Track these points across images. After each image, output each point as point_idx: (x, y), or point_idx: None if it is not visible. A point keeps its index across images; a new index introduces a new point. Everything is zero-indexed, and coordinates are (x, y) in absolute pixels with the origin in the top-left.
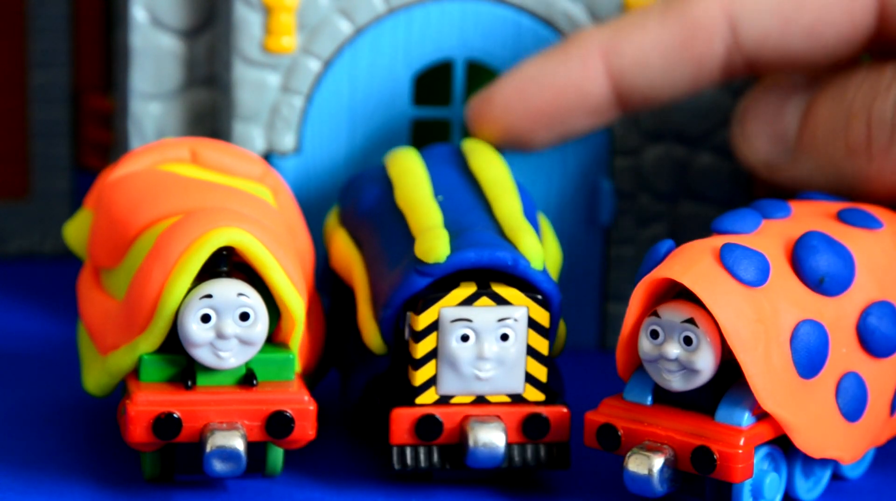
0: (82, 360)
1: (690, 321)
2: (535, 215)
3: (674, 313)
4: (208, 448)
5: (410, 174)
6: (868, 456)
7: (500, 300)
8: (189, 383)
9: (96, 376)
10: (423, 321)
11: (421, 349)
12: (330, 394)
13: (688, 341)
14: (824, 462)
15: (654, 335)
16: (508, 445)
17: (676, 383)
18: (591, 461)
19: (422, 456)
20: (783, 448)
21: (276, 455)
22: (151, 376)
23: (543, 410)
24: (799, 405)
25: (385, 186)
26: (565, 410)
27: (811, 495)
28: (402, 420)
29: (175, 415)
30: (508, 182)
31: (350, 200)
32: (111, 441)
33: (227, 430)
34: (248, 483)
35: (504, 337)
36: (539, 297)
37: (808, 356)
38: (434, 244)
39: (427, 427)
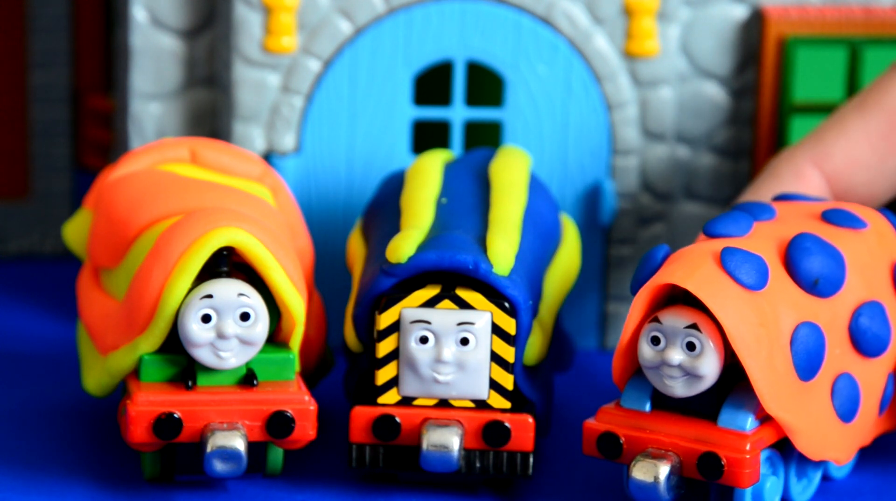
0: (82, 360)
1: (693, 326)
2: (556, 219)
3: (676, 318)
4: (209, 449)
5: (422, 175)
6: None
7: (463, 304)
8: (189, 383)
9: (96, 376)
10: (384, 320)
11: (382, 348)
12: (330, 394)
13: (691, 346)
14: (816, 463)
15: (655, 341)
16: (467, 451)
17: (679, 389)
18: (583, 465)
19: (381, 456)
20: (780, 450)
21: (277, 456)
22: (152, 376)
23: (506, 417)
24: (800, 407)
25: (399, 185)
26: (530, 420)
27: (804, 496)
28: (360, 419)
29: (175, 415)
30: (518, 187)
31: (374, 195)
32: (111, 441)
33: (228, 430)
34: (248, 483)
35: (464, 341)
36: (506, 304)
37: (808, 358)
38: (399, 245)
39: (384, 427)
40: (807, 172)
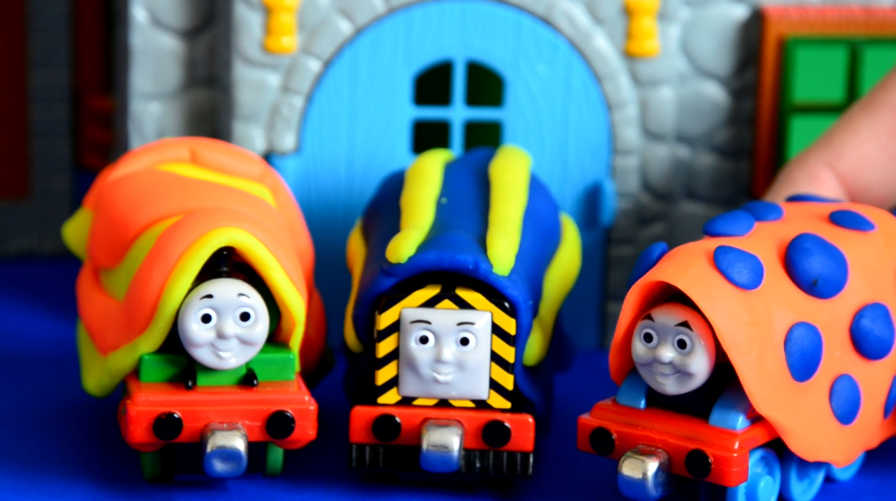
0: (82, 360)
1: (685, 324)
2: (556, 219)
3: (668, 316)
4: (209, 449)
5: (422, 175)
6: (859, 459)
7: (463, 304)
8: (189, 383)
9: (96, 376)
10: (384, 320)
11: (382, 348)
12: (330, 394)
13: (682, 344)
14: (818, 465)
15: (648, 338)
16: (467, 451)
17: (670, 386)
18: (583, 464)
19: (381, 456)
20: (777, 450)
21: (277, 456)
22: (152, 376)
23: (506, 417)
24: (793, 408)
25: (399, 185)
26: (530, 419)
27: (805, 497)
28: (360, 419)
29: (175, 415)
30: (518, 187)
31: (374, 195)
32: (111, 441)
33: (228, 430)
34: (248, 483)
35: (464, 341)
36: (506, 304)
37: (802, 358)
38: (399, 245)
39: (384, 427)
40: (821, 174)
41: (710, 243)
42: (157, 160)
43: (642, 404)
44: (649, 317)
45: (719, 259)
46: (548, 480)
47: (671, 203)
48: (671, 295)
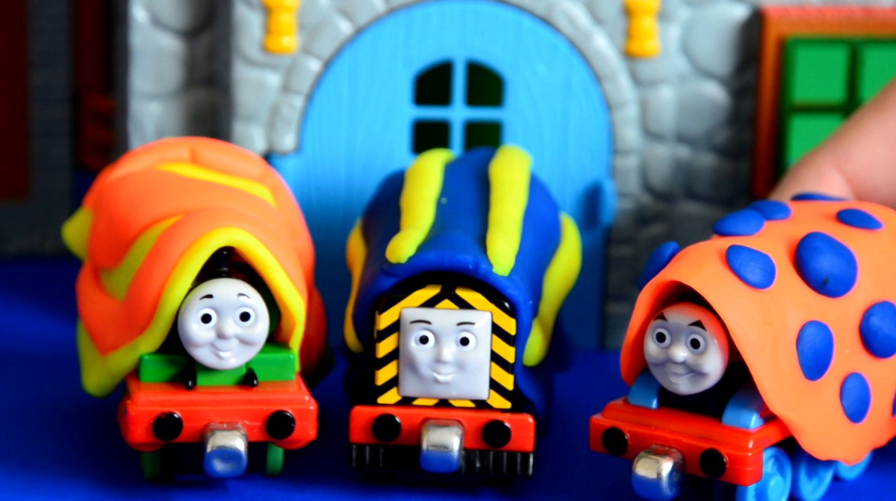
0: (82, 360)
1: (698, 323)
2: (556, 219)
3: (681, 316)
4: (209, 449)
5: (422, 175)
6: (867, 457)
7: (463, 304)
8: (189, 383)
9: (96, 376)
10: (384, 320)
11: (382, 348)
12: (330, 394)
13: (695, 344)
14: (827, 463)
15: (661, 338)
16: (467, 451)
17: (683, 386)
18: (583, 464)
19: (381, 456)
20: (787, 449)
21: (277, 456)
22: (152, 376)
23: (506, 417)
24: (805, 406)
25: (399, 185)
26: (530, 420)
27: (815, 495)
28: (360, 419)
29: (175, 415)
30: (518, 187)
31: (374, 195)
32: (111, 441)
33: (228, 430)
34: (248, 483)
35: (464, 341)
36: (506, 304)
37: (814, 357)
38: (399, 245)
39: (384, 427)
40: (828, 175)
41: (722, 243)
42: (157, 160)
43: (654, 404)
44: (662, 317)
45: (732, 258)
46: (548, 480)
47: (671, 203)
48: (682, 294)
